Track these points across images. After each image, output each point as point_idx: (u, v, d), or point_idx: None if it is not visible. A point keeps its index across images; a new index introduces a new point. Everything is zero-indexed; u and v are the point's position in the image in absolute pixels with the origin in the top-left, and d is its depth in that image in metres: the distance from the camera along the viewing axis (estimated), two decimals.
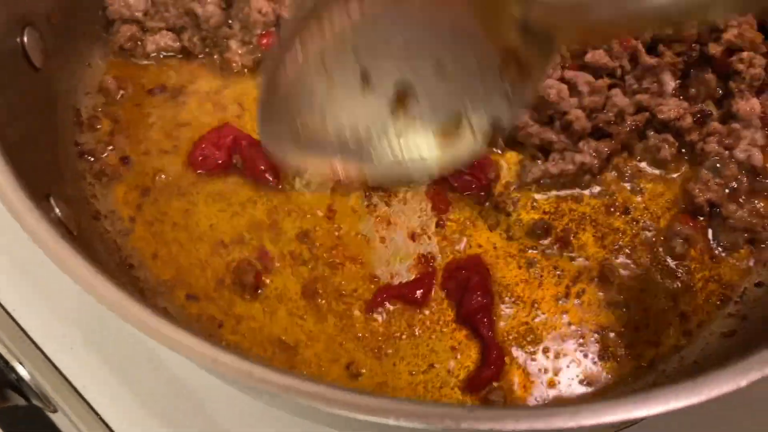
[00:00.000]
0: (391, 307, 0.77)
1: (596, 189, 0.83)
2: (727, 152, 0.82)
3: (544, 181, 0.83)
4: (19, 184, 0.60)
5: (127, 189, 0.83)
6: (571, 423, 0.48)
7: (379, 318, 0.76)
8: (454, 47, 0.71)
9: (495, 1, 0.66)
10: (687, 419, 0.76)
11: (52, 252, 0.54)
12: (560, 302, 0.77)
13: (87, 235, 0.76)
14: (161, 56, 0.92)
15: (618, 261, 0.79)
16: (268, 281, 0.78)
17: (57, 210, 0.68)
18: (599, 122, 0.84)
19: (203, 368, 0.52)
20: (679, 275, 0.78)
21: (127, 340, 0.80)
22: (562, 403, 0.71)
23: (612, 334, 0.75)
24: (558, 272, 0.78)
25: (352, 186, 0.81)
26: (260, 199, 0.83)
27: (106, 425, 0.78)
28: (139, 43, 0.92)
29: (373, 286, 0.78)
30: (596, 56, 0.85)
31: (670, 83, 0.86)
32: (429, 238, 0.81)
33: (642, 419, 0.61)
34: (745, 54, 0.85)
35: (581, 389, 0.72)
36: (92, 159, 0.84)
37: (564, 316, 0.76)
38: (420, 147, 0.76)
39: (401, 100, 0.74)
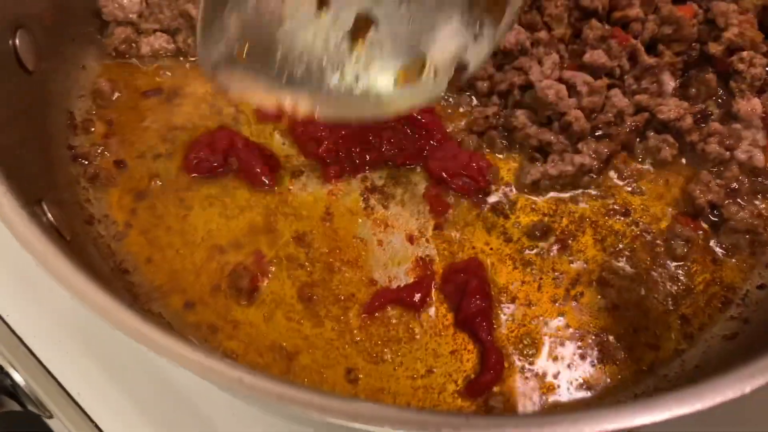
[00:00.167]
0: (390, 312, 0.76)
1: (596, 190, 0.83)
2: (728, 153, 0.82)
3: (543, 183, 0.82)
4: (10, 189, 0.60)
5: (122, 193, 0.82)
6: (572, 431, 0.47)
7: (377, 322, 0.75)
8: None
9: None
10: (688, 417, 0.75)
11: (42, 258, 0.53)
12: (559, 305, 0.76)
13: (80, 239, 0.75)
14: (156, 58, 0.92)
15: (618, 263, 0.78)
16: (263, 285, 0.77)
17: (49, 215, 0.67)
18: (598, 123, 0.83)
19: (196, 375, 0.51)
20: (680, 278, 0.77)
21: (122, 346, 0.79)
22: (561, 407, 0.70)
23: (611, 338, 0.74)
24: (557, 275, 0.77)
25: (300, 118, 0.75)
26: (256, 202, 0.82)
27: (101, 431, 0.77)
28: (133, 45, 0.91)
29: (371, 290, 0.77)
30: (595, 56, 0.84)
31: (670, 83, 0.85)
32: (427, 240, 0.80)
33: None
34: (745, 53, 0.84)
35: (581, 393, 0.71)
36: (86, 163, 0.84)
37: (563, 319, 0.75)
38: (377, 84, 0.71)
39: (361, 31, 0.68)
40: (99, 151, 0.85)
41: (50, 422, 0.82)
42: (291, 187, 0.83)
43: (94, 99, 0.88)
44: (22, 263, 0.83)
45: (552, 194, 0.82)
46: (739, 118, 0.83)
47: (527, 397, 0.71)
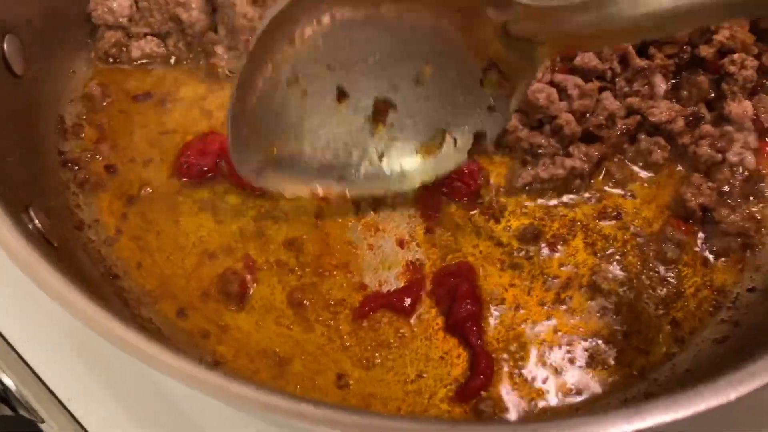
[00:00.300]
0: (380, 316, 0.75)
1: (587, 194, 0.82)
2: (719, 155, 0.81)
3: (534, 186, 0.82)
4: None
5: (112, 198, 0.82)
6: None
7: (368, 327, 0.75)
8: (433, 59, 0.70)
9: (475, 9, 0.64)
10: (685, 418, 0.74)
11: (25, 265, 0.53)
12: (549, 309, 0.76)
13: (70, 245, 0.75)
14: (146, 62, 0.91)
15: (608, 267, 0.78)
16: (253, 290, 0.77)
17: (36, 221, 0.67)
18: (589, 126, 0.83)
19: (182, 384, 0.51)
20: (671, 281, 0.77)
21: (112, 352, 0.78)
22: (551, 412, 0.70)
23: (601, 342, 0.74)
24: (547, 279, 0.77)
25: (334, 201, 0.80)
26: (246, 207, 0.82)
27: None
28: (123, 49, 0.91)
29: (361, 295, 0.77)
30: (586, 59, 0.84)
31: (662, 86, 0.85)
32: (417, 245, 0.80)
33: None
34: (736, 56, 0.84)
35: (571, 398, 0.71)
36: (76, 168, 0.83)
37: (553, 323, 0.75)
38: (402, 162, 0.75)
39: (380, 115, 0.73)
40: (89, 156, 0.84)
41: (43, 426, 0.81)
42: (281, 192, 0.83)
43: (85, 103, 0.88)
44: (11, 269, 0.83)
45: (543, 198, 0.82)
46: (730, 120, 0.83)
47: (517, 403, 0.71)
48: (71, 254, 0.74)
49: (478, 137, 0.74)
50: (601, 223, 0.81)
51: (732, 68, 0.84)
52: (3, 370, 0.81)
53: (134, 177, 0.84)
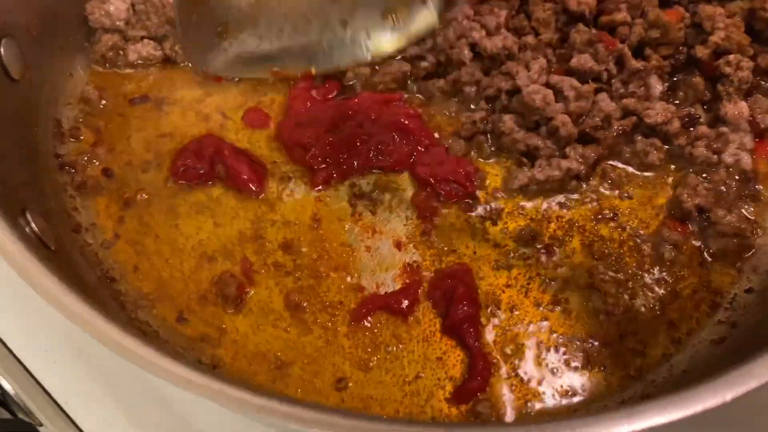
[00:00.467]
0: (377, 318, 0.76)
1: (583, 195, 0.82)
2: (715, 156, 0.82)
3: (530, 188, 0.82)
4: None
5: (109, 201, 0.82)
6: None
7: (365, 329, 0.75)
8: None
9: None
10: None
11: (22, 269, 0.53)
12: (546, 310, 0.76)
13: (67, 248, 0.75)
14: (143, 65, 0.91)
15: (605, 268, 0.77)
16: (251, 293, 0.77)
17: (33, 224, 0.67)
18: (586, 127, 0.83)
19: (178, 388, 0.51)
20: (668, 282, 0.77)
21: (110, 356, 0.78)
22: (547, 414, 0.70)
23: (598, 343, 0.74)
24: (544, 280, 0.77)
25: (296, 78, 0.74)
26: (243, 209, 0.82)
27: None
28: (120, 52, 0.91)
29: (358, 297, 0.77)
30: (582, 60, 0.84)
31: (657, 87, 0.85)
32: (415, 246, 0.80)
33: None
34: (732, 57, 0.84)
35: (568, 400, 0.71)
36: (73, 171, 0.83)
37: (549, 324, 0.75)
38: (368, 28, 0.71)
39: None
40: (86, 159, 0.85)
41: (41, 429, 0.81)
42: (278, 194, 0.83)
43: (82, 107, 0.88)
44: (9, 272, 0.83)
45: (540, 199, 0.82)
46: (726, 121, 0.83)
47: (513, 404, 0.71)
48: (68, 258, 0.74)
49: None
50: (597, 224, 0.81)
51: (727, 69, 0.84)
52: (1, 374, 0.81)
53: (131, 180, 0.84)
